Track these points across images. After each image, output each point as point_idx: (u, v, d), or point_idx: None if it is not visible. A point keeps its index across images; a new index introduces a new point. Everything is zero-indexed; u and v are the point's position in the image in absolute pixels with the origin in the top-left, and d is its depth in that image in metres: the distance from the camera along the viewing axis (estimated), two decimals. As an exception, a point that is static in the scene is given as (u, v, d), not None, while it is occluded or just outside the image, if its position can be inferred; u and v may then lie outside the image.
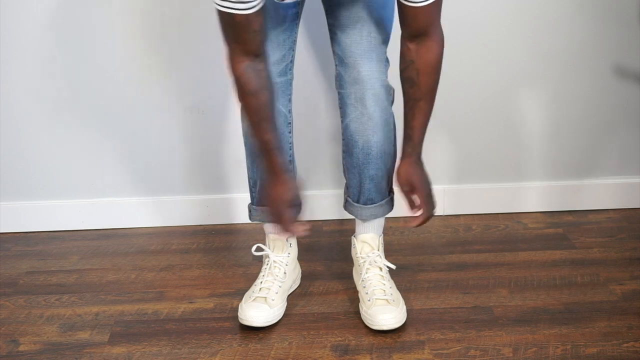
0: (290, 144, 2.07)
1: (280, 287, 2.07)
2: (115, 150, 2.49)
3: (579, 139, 2.55)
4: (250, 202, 2.15)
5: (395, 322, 1.97)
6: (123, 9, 2.36)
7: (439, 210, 2.57)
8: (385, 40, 1.96)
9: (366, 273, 2.06)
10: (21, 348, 1.95)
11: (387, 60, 1.98)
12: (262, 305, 2.01)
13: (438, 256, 2.35)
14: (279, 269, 2.09)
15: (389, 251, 2.29)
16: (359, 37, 1.93)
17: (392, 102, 2.00)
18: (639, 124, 2.54)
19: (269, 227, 2.11)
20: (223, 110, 2.47)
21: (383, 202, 2.07)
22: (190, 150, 2.51)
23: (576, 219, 2.55)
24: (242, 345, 1.94)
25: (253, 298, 2.04)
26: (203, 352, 1.92)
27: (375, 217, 2.08)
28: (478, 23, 2.43)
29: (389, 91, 1.98)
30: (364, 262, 2.08)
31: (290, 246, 2.12)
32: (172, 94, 2.45)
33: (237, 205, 2.54)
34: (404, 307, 2.03)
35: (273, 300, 2.03)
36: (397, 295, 2.05)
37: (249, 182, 2.12)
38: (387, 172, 2.04)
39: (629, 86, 2.50)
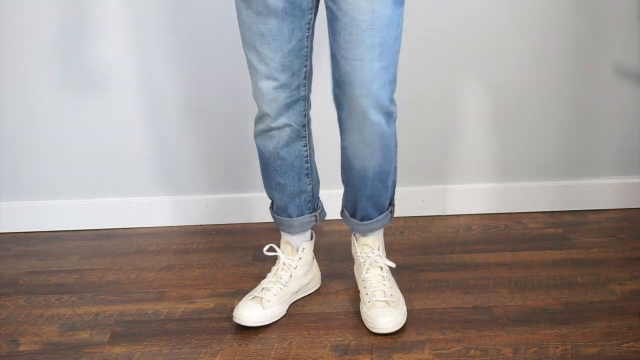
0: (306, 157, 2.03)
1: (280, 289, 2.06)
2: (115, 151, 2.49)
3: (579, 138, 2.55)
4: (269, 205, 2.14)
5: (395, 325, 1.97)
6: (124, 8, 2.36)
7: (439, 210, 2.58)
8: (389, 65, 1.83)
9: (366, 273, 2.06)
10: (21, 348, 1.95)
11: (390, 83, 1.85)
12: (256, 306, 2.01)
13: (438, 256, 2.34)
14: (285, 272, 2.08)
15: (389, 251, 2.29)
16: (359, 65, 1.80)
17: (395, 119, 1.92)
18: (639, 124, 2.54)
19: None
20: (223, 110, 2.47)
21: (380, 217, 2.05)
22: (190, 150, 2.51)
23: (576, 219, 2.55)
24: (242, 345, 1.94)
25: (251, 297, 2.04)
26: (203, 352, 1.92)
27: (372, 231, 2.07)
28: (478, 23, 2.43)
29: (391, 115, 1.89)
30: (364, 261, 2.08)
31: (303, 251, 2.11)
32: (172, 94, 2.45)
33: (237, 205, 2.54)
34: (404, 307, 2.03)
35: (269, 302, 2.03)
36: (398, 295, 2.05)
37: (265, 189, 2.11)
38: (386, 189, 2.01)
39: (629, 86, 2.50)
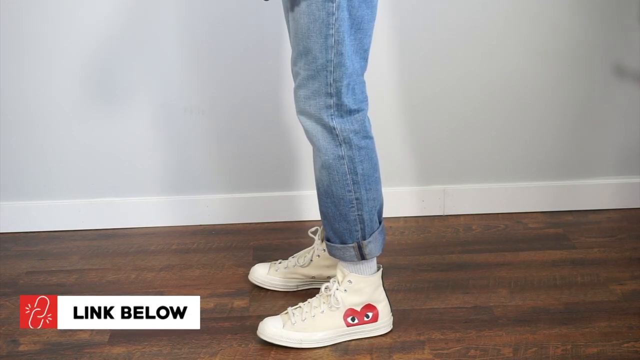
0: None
1: (294, 266, 2.12)
2: (115, 150, 2.49)
3: (579, 138, 2.55)
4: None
5: (269, 337, 1.91)
6: (123, 8, 2.36)
7: (439, 210, 2.58)
8: (315, 75, 1.75)
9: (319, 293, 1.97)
10: (21, 348, 1.95)
11: (324, 95, 1.76)
12: (265, 266, 2.15)
13: (438, 256, 2.34)
14: (308, 254, 2.12)
15: (389, 251, 2.29)
16: (295, 71, 1.81)
17: (348, 144, 1.81)
18: (639, 124, 2.54)
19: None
20: (223, 110, 2.47)
21: (339, 245, 1.90)
22: (190, 150, 2.51)
23: (576, 219, 2.55)
24: (242, 345, 1.94)
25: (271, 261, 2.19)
26: (203, 352, 1.92)
27: (334, 256, 1.93)
28: (478, 23, 2.43)
29: (331, 131, 1.79)
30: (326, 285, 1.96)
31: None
32: (173, 94, 2.45)
33: (237, 205, 2.54)
34: (305, 343, 1.91)
35: (277, 270, 2.13)
36: (313, 327, 1.92)
37: None
38: (344, 218, 1.86)
39: (629, 86, 2.50)
